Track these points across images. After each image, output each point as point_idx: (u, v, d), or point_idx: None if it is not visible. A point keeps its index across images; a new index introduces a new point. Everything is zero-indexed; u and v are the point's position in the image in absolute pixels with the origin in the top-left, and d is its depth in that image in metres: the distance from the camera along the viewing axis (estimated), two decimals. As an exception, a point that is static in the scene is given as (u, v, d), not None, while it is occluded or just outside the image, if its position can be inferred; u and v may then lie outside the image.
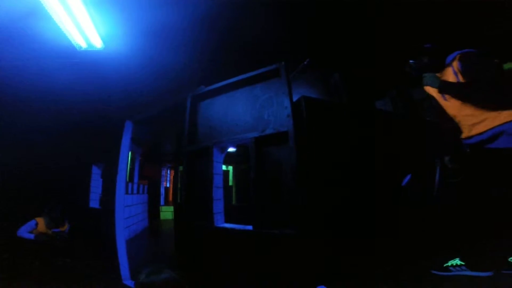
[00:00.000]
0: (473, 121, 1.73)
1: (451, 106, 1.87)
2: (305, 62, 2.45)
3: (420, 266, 1.96)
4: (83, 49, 2.69)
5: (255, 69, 2.57)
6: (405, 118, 2.92)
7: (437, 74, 1.93)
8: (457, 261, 1.81)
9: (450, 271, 1.79)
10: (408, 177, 2.10)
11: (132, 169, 6.77)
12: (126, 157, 3.56)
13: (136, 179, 7.02)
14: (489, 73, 1.63)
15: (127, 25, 2.61)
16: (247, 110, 2.57)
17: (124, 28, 2.64)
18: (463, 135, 1.83)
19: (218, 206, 2.65)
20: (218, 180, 2.68)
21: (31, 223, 3.59)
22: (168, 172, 11.17)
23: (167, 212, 9.42)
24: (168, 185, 11.09)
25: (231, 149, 5.78)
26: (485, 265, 1.69)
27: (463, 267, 1.76)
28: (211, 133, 2.77)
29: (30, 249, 3.59)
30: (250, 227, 2.28)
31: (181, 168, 5.77)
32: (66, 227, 3.80)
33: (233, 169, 8.65)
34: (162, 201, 10.26)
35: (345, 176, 2.24)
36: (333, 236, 2.05)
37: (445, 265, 1.83)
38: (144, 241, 6.06)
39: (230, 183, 8.37)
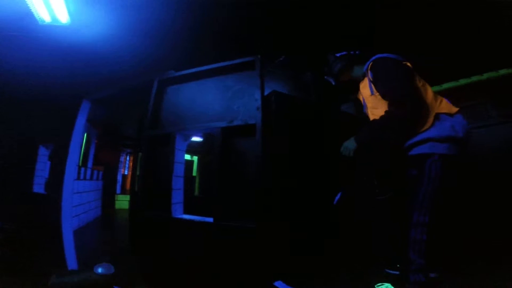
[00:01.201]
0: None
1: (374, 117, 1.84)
2: (281, 59, 2.46)
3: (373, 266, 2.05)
4: (46, 23, 2.41)
5: (228, 60, 2.51)
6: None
7: (361, 84, 1.95)
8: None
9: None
10: (339, 194, 2.10)
11: (86, 153, 6.22)
12: (80, 139, 3.27)
13: (90, 164, 6.48)
14: (403, 84, 1.56)
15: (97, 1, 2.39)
16: (216, 99, 2.51)
17: (94, 3, 2.42)
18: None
19: (178, 196, 2.56)
20: (179, 169, 2.58)
21: None
22: (128, 158, 10.53)
23: (123, 202, 8.88)
24: (126, 173, 10.47)
25: (197, 139, 5.63)
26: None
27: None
28: (175, 120, 2.66)
29: None
30: (210, 219, 2.24)
31: (141, 154, 5.48)
32: None
33: (198, 159, 8.47)
34: (118, 189, 9.65)
35: (306, 173, 2.30)
36: (291, 231, 2.10)
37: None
38: (96, 231, 5.67)
39: (194, 174, 8.20)
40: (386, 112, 1.60)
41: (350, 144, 1.79)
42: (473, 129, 2.29)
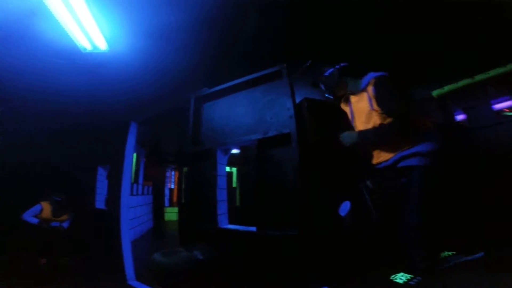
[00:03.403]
0: (379, 149, 1.85)
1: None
2: (307, 64, 2.45)
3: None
4: (88, 51, 2.72)
5: (257, 70, 2.58)
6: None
7: (353, 97, 1.98)
8: (446, 253, 1.85)
9: (449, 262, 1.82)
10: (347, 206, 2.11)
11: (137, 170, 6.82)
12: (131, 158, 3.60)
13: (141, 180, 7.08)
14: (402, 102, 1.72)
15: (130, 27, 2.65)
16: (249, 112, 2.59)
17: (128, 30, 2.67)
18: (373, 161, 1.93)
19: (222, 208, 2.67)
20: (221, 182, 2.69)
21: (36, 207, 3.76)
22: (173, 173, 11.23)
23: (171, 213, 9.47)
24: (172, 186, 11.16)
25: (234, 151, 5.80)
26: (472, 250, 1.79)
27: (456, 256, 1.81)
28: (214, 135, 2.79)
29: (35, 247, 3.69)
30: (253, 229, 2.29)
31: (185, 169, 5.81)
32: (66, 217, 3.88)
33: (237, 170, 8.67)
34: (166, 202, 10.33)
35: (347, 178, 2.24)
36: (334, 237, 2.05)
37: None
38: (149, 242, 6.09)
39: (234, 185, 8.39)
40: (391, 124, 1.73)
41: (351, 137, 1.88)
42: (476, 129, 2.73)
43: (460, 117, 3.51)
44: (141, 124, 3.80)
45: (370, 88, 1.81)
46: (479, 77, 2.94)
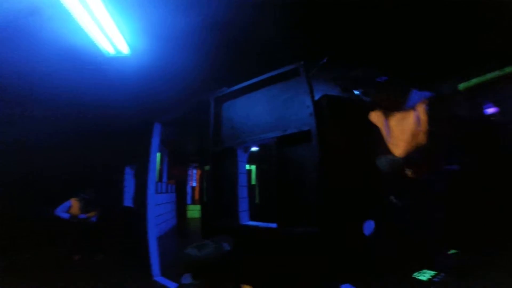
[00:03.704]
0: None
1: (394, 149, 1.95)
2: (324, 60, 2.43)
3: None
4: (111, 55, 2.86)
5: (274, 69, 2.59)
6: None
7: (394, 113, 1.93)
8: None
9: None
10: (371, 225, 2.08)
11: (160, 170, 7.10)
12: (156, 157, 3.76)
13: (164, 179, 7.36)
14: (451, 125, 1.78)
15: (150, 30, 2.72)
16: (267, 110, 2.62)
17: (147, 33, 2.75)
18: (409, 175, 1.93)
19: (243, 205, 2.73)
20: (242, 179, 2.75)
21: (67, 203, 4.13)
22: (194, 171, 11.53)
23: (193, 211, 9.72)
24: (194, 185, 11.46)
25: (253, 149, 5.84)
26: None
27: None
28: (234, 134, 2.85)
29: (70, 244, 3.98)
30: (274, 225, 2.33)
31: (206, 167, 5.95)
32: (93, 214, 4.17)
33: (256, 168, 8.71)
34: (189, 200, 10.63)
35: (367, 175, 2.20)
36: (355, 235, 2.04)
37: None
38: (173, 239, 6.34)
39: (253, 182, 8.44)
40: (439, 146, 1.75)
41: (393, 163, 1.90)
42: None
43: (490, 110, 3.31)
44: (164, 125, 3.96)
45: (421, 107, 1.78)
46: (510, 69, 2.76)
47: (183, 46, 3.02)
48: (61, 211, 4.05)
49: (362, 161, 2.22)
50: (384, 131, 2.01)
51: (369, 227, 2.10)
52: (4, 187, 4.14)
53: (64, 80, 3.42)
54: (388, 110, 2.00)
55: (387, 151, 1.99)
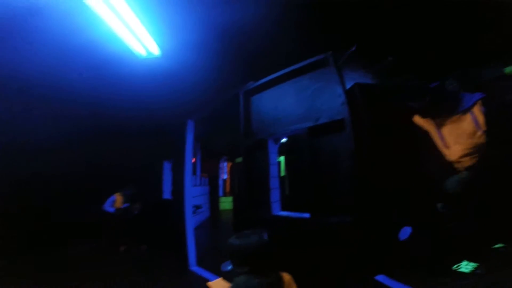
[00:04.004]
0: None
1: (451, 153, 1.88)
2: (353, 48, 2.35)
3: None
4: (143, 57, 3.02)
5: (300, 61, 2.58)
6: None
7: (446, 119, 1.86)
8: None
9: None
10: (407, 231, 2.01)
11: (194, 163, 7.43)
12: (191, 152, 3.95)
13: (198, 172, 7.69)
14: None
15: (179, 32, 2.84)
16: (296, 101, 2.62)
17: (177, 35, 2.86)
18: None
19: (275, 195, 2.79)
20: (274, 170, 2.81)
21: (111, 198, 4.56)
22: (225, 164, 11.86)
23: (226, 203, 10.04)
24: (225, 177, 11.80)
25: (281, 140, 5.84)
26: None
27: None
28: (264, 126, 2.90)
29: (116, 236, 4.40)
30: (307, 215, 2.35)
31: (237, 160, 6.09)
32: (135, 207, 4.54)
33: (285, 159, 8.71)
34: (221, 192, 11.00)
35: (403, 163, 2.12)
36: (392, 226, 1.99)
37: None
38: (207, 231, 6.61)
39: (282, 174, 8.46)
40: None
41: (462, 181, 1.82)
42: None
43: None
44: (196, 122, 4.12)
45: (477, 109, 1.76)
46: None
47: (211, 43, 3.09)
48: (108, 206, 4.49)
49: (400, 152, 2.14)
50: (435, 137, 1.95)
51: (405, 233, 2.06)
52: (59, 185, 4.68)
53: (103, 86, 3.72)
54: (438, 116, 1.93)
55: (438, 156, 1.92)
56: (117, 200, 4.56)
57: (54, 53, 2.96)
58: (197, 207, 6.81)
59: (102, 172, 5.02)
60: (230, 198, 9.62)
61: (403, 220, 2.06)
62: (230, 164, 11.49)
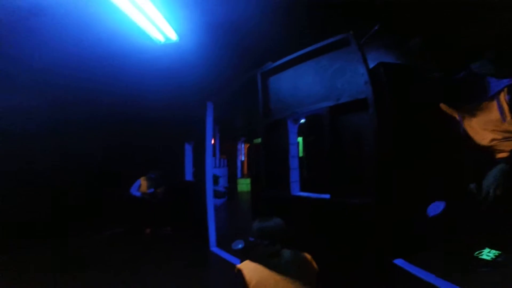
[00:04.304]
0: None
1: (480, 138, 1.76)
2: (375, 28, 2.22)
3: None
4: (162, 43, 3.03)
5: (317, 42, 2.49)
6: None
7: (470, 108, 1.75)
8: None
9: None
10: (440, 206, 1.89)
11: (213, 146, 7.60)
12: (211, 134, 4.03)
13: (217, 154, 7.88)
14: None
15: (196, 18, 2.80)
16: (317, 81, 2.57)
17: (194, 19, 2.84)
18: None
19: (294, 175, 2.82)
20: (293, 150, 2.82)
21: (137, 183, 4.79)
22: (242, 146, 11.99)
23: (244, 185, 10.22)
24: (243, 159, 11.98)
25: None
26: None
27: None
28: (283, 106, 2.88)
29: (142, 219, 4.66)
30: (327, 196, 2.37)
31: (255, 140, 6.13)
32: (159, 191, 4.76)
33: (303, 140, 8.66)
34: (239, 174, 11.21)
35: (428, 146, 2.05)
36: (409, 208, 1.96)
37: None
38: (226, 212, 6.85)
39: (301, 154, 8.45)
40: None
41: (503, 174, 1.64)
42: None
43: None
44: (215, 104, 4.16)
45: (503, 96, 1.64)
46: None
47: (227, 31, 3.04)
48: (134, 190, 4.73)
49: (426, 135, 2.07)
50: (463, 123, 1.85)
51: (436, 208, 2.01)
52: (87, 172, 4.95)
53: (125, 75, 3.81)
54: (465, 103, 1.82)
55: (468, 141, 1.82)
56: (142, 184, 4.79)
57: (75, 43, 3.06)
58: (222, 194, 6.99)
59: (125, 157, 5.24)
60: (248, 180, 9.79)
61: (435, 195, 2.01)
62: (247, 145, 11.60)
